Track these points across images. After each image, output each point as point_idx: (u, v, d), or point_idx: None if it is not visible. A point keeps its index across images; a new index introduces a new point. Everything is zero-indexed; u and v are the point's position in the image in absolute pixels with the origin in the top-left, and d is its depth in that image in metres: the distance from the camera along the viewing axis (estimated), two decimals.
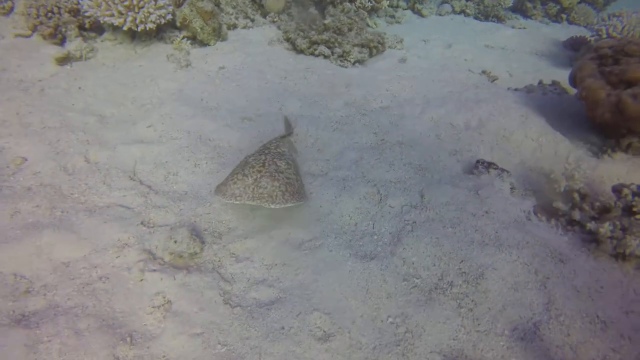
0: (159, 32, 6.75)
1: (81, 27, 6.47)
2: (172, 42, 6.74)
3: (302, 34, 6.93)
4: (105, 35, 6.61)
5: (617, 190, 4.39)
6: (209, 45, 6.99)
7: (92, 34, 6.64)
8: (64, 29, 6.23)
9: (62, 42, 6.34)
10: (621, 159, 5.24)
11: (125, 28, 6.08)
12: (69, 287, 3.16)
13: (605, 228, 3.84)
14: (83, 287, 3.17)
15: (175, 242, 3.39)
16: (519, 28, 11.43)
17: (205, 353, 2.87)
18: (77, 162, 4.42)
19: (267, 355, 2.88)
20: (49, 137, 4.66)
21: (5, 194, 3.92)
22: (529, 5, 12.81)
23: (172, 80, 5.94)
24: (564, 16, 12.90)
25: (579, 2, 13.03)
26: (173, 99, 5.52)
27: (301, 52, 7.05)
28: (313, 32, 6.83)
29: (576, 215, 4.27)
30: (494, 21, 12.04)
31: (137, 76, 5.92)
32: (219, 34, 7.09)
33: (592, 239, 4.04)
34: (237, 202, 3.37)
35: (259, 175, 3.50)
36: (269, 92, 5.88)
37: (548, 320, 3.27)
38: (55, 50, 6.07)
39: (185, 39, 6.77)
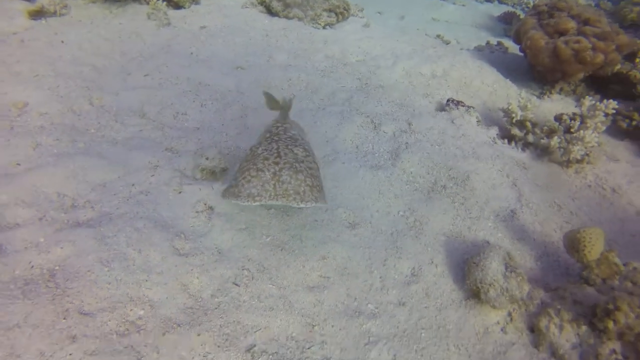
0: None
1: None
2: (147, 3, 6.77)
3: None
4: None
5: (558, 117, 5.39)
6: (184, 7, 7.11)
7: None
8: None
9: None
10: (557, 99, 6.35)
11: None
12: (114, 200, 3.39)
13: (554, 141, 4.77)
14: (127, 200, 3.42)
15: (207, 158, 3.72)
16: (460, 5, 12.62)
17: (253, 242, 3.29)
18: (82, 105, 4.50)
19: (307, 239, 3.37)
20: (47, 83, 4.66)
21: (19, 132, 3.96)
22: None
23: (157, 36, 6.06)
24: None
25: None
26: (163, 52, 5.67)
27: (275, 14, 7.41)
28: None
29: (530, 138, 5.20)
30: None
31: (121, 32, 5.96)
32: None
33: (545, 154, 4.98)
34: (256, 204, 2.74)
35: (277, 168, 2.84)
36: (254, 47, 6.22)
37: (521, 207, 4.09)
38: (24, 5, 5.90)
39: (161, 0, 6.83)
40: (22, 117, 4.19)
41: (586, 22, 6.08)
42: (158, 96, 4.81)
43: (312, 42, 6.64)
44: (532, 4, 10.33)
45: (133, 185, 3.57)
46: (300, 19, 7.44)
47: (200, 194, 3.56)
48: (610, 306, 2.59)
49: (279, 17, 7.44)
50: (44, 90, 4.56)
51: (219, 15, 7.00)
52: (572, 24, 6.06)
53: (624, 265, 3.05)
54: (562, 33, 6.03)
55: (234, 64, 5.67)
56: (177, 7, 7.08)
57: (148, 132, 4.27)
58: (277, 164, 2.87)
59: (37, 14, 5.88)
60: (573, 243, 3.15)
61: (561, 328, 2.82)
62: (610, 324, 2.57)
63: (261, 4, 7.53)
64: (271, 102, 4.07)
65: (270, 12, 7.47)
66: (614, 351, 2.57)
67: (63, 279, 2.69)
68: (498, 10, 12.76)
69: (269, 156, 2.94)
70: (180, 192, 3.57)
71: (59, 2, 6.08)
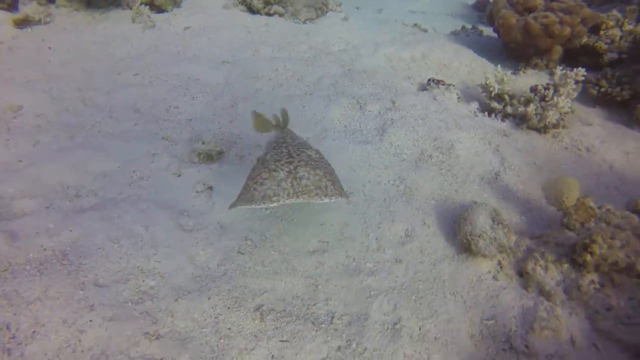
0: None
1: None
2: (130, 9, 6.92)
3: None
4: (59, 1, 6.60)
5: (533, 88, 5.66)
6: (167, 10, 7.26)
7: (43, 0, 6.58)
8: None
9: (11, 7, 6.23)
10: (531, 74, 6.64)
11: None
12: (116, 187, 3.53)
13: (531, 108, 5.04)
14: (129, 185, 3.56)
15: (204, 142, 3.88)
16: None
17: (253, 215, 3.46)
18: (76, 105, 4.63)
19: (305, 209, 3.54)
20: (39, 87, 4.78)
21: (17, 132, 4.08)
22: None
23: (143, 38, 6.20)
24: None
25: None
26: (151, 52, 5.82)
27: (256, 12, 7.61)
28: None
29: (509, 109, 5.46)
30: None
31: (107, 36, 6.09)
32: (174, 0, 7.38)
33: (523, 122, 5.24)
34: (273, 205, 2.44)
35: (291, 167, 2.57)
36: (239, 42, 6.41)
37: (504, 170, 4.33)
38: (8, 15, 6.02)
39: (144, 4, 6.98)
40: (18, 119, 4.31)
41: None
42: (149, 93, 4.96)
43: (294, 36, 6.85)
44: None
45: (134, 172, 3.72)
46: (280, 15, 7.64)
47: (199, 176, 3.72)
48: (587, 240, 2.82)
49: (260, 14, 7.64)
50: (38, 93, 4.68)
51: (202, 15, 7.16)
52: (539, 1, 6.37)
53: (599, 208, 3.29)
54: (531, 10, 6.33)
55: (220, 59, 5.85)
56: (160, 10, 7.24)
57: (143, 125, 4.41)
58: (290, 163, 2.61)
59: (22, 23, 6.00)
60: (551, 192, 3.38)
61: (546, 269, 3.04)
62: (588, 257, 2.79)
63: (242, 3, 7.72)
64: (261, 123, 3.37)
65: (251, 10, 7.67)
66: (592, 281, 2.80)
67: (76, 257, 2.83)
68: None
69: (280, 158, 2.68)
70: (179, 175, 3.73)
71: (43, 11, 6.21)
